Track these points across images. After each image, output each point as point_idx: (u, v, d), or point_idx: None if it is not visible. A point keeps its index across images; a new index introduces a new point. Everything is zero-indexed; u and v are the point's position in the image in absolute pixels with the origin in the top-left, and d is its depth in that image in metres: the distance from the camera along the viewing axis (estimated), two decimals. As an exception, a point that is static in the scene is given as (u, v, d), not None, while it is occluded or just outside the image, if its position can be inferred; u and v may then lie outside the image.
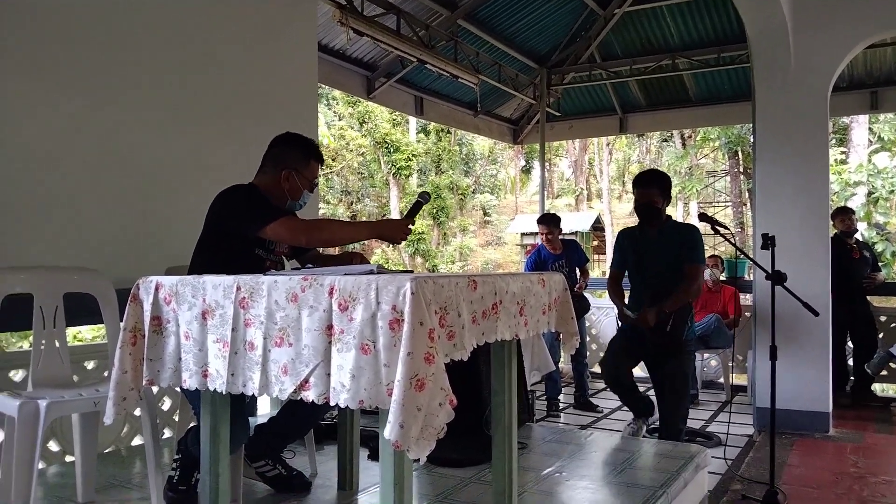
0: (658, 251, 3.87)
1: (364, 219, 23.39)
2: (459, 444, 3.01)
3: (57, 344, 2.49)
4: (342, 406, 1.67)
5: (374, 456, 2.98)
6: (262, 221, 2.32)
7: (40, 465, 2.59)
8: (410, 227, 2.42)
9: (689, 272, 3.79)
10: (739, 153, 20.13)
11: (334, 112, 21.57)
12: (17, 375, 2.93)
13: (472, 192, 25.99)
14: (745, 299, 6.49)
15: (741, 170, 20.60)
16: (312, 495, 2.64)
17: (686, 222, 4.54)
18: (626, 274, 4.09)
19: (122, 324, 2.05)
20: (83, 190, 3.16)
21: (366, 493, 2.65)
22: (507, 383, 2.33)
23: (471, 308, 1.87)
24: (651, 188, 3.83)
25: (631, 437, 3.82)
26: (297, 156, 2.55)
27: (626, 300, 4.05)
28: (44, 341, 2.46)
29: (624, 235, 4.12)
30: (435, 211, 22.86)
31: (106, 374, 3.10)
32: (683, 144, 22.60)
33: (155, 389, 2.38)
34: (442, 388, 1.61)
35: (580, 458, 3.21)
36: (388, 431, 1.55)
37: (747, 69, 5.46)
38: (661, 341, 3.75)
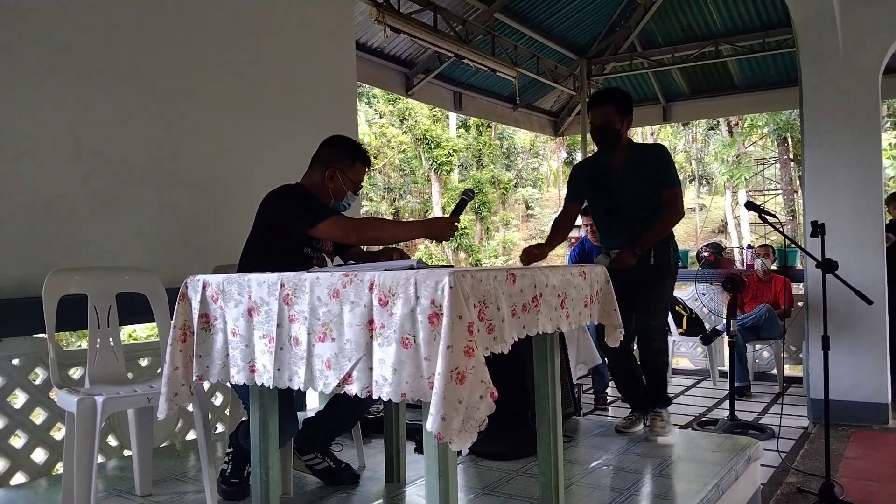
0: (627, 182, 3.38)
1: (407, 215, 23.55)
2: (505, 438, 3.04)
3: (111, 342, 2.58)
4: (384, 399, 1.70)
5: (420, 449, 3.00)
6: (314, 220, 2.39)
7: (100, 459, 2.70)
8: (457, 224, 2.45)
9: (669, 197, 3.36)
10: (789, 139, 19.59)
11: (375, 110, 21.71)
12: (76, 373, 3.04)
13: (514, 186, 25.87)
14: (798, 289, 6.33)
15: (791, 156, 20.05)
16: (361, 487, 2.68)
17: (652, 143, 3.94)
18: (592, 213, 3.65)
19: (171, 322, 2.11)
20: (134, 192, 3.26)
21: (413, 486, 2.68)
22: (551, 376, 2.33)
23: (510, 301, 1.88)
24: (605, 106, 3.33)
25: (636, 431, 3.46)
26: (342, 156, 2.62)
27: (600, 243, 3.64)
28: (99, 340, 2.55)
29: (581, 168, 3.67)
30: (477, 206, 22.83)
31: (159, 371, 3.20)
32: (730, 132, 22.08)
33: (206, 385, 2.45)
34: (482, 380, 1.62)
35: (628, 452, 3.18)
36: (430, 424, 1.57)
37: (794, 54, 5.31)
38: (646, 275, 3.34)
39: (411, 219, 23.78)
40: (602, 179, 3.44)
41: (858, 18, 4.85)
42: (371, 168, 2.75)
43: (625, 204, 3.41)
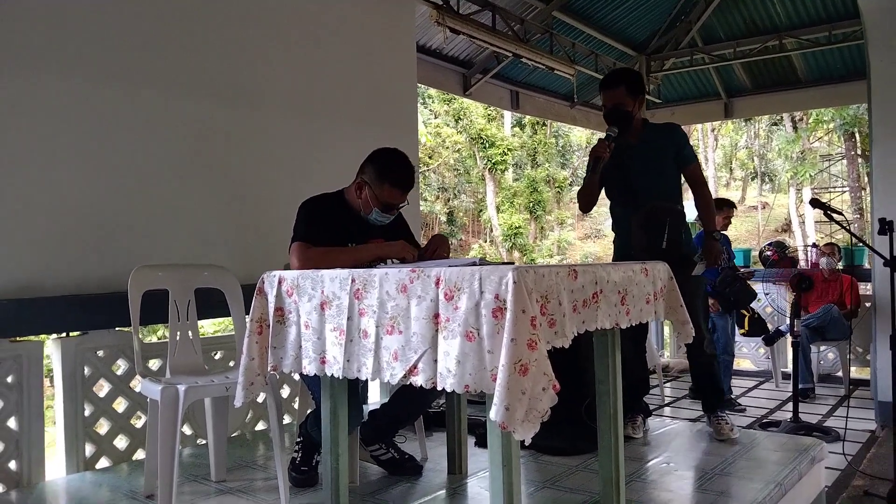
0: (643, 160, 3.35)
1: (461, 215, 23.63)
2: (564, 434, 3.08)
3: (190, 335, 2.72)
4: (448, 390, 1.76)
5: (480, 443, 3.07)
6: (292, 238, 2.52)
7: (177, 446, 2.85)
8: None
9: (694, 173, 3.40)
10: (856, 135, 18.91)
11: (430, 110, 21.87)
12: (154, 365, 3.21)
13: (570, 185, 25.66)
14: (865, 289, 6.15)
15: (859, 152, 19.34)
16: (424, 478, 2.75)
17: (665, 122, 3.78)
18: (607, 194, 3.55)
19: (248, 315, 2.23)
20: (210, 194, 3.44)
21: (475, 478, 2.74)
22: (612, 372, 2.36)
23: (571, 297, 1.92)
24: (617, 88, 3.32)
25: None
26: (373, 172, 2.58)
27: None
28: (178, 333, 2.70)
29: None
30: (531, 205, 22.77)
31: (231, 363, 3.36)
32: (794, 128, 21.46)
33: (277, 375, 2.57)
34: (545, 373, 1.67)
35: (689, 450, 3.19)
36: (494, 413, 1.62)
37: (861, 46, 5.17)
38: (676, 257, 3.17)
39: (465, 219, 23.90)
40: (618, 158, 3.37)
41: (931, 9, 4.69)
42: (406, 190, 2.63)
43: (641, 181, 3.36)
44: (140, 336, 2.62)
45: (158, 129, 3.26)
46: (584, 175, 3.48)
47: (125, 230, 3.13)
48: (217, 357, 3.48)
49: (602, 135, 3.33)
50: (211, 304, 2.84)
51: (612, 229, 3.61)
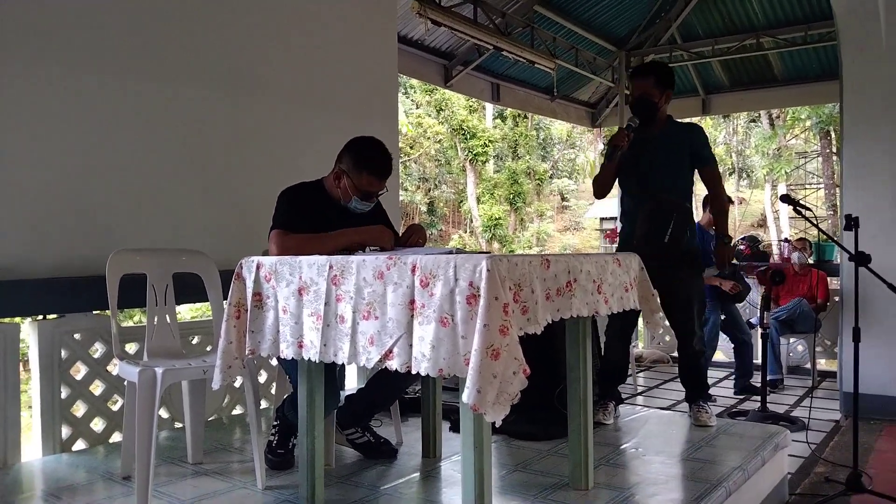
0: (659, 154, 3.39)
1: (441, 205, 23.66)
2: (536, 419, 3.15)
3: (168, 319, 2.75)
4: (423, 374, 1.81)
5: (455, 428, 3.13)
6: (271, 226, 2.55)
7: (154, 429, 2.87)
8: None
9: (712, 176, 3.47)
10: (832, 133, 19.20)
11: (412, 100, 21.85)
12: (130, 348, 3.23)
13: (550, 177, 25.82)
14: (835, 284, 6.30)
15: (834, 150, 19.64)
16: (399, 461, 2.81)
17: (689, 122, 3.88)
18: (621, 185, 3.59)
19: (226, 300, 2.26)
20: (189, 179, 3.45)
21: (448, 461, 2.80)
22: (583, 359, 2.43)
23: (544, 285, 1.98)
24: (646, 78, 3.38)
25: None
26: (350, 161, 2.62)
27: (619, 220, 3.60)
28: (156, 317, 2.72)
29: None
30: (511, 196, 22.87)
31: (209, 348, 3.38)
32: (772, 125, 21.72)
33: (255, 360, 2.60)
34: (516, 357, 1.73)
35: (658, 436, 3.27)
36: (466, 396, 1.68)
37: (835, 47, 5.28)
38: (679, 265, 3.35)
39: (445, 210, 23.94)
40: (636, 148, 3.41)
41: (901, 12, 4.80)
42: (383, 179, 2.67)
43: (654, 174, 3.40)
44: (118, 320, 2.64)
45: (139, 114, 3.26)
46: (602, 162, 3.54)
47: (105, 214, 3.14)
48: (194, 342, 3.51)
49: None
50: (189, 288, 2.87)
51: (620, 220, 3.65)
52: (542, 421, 3.15)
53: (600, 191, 3.62)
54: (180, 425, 3.27)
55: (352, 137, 2.70)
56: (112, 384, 3.20)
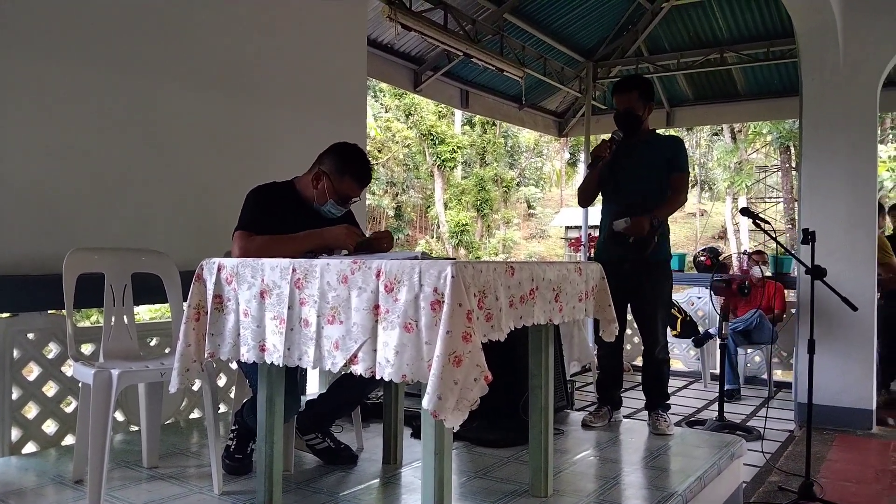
0: (637, 163, 3.54)
1: (409, 210, 23.65)
2: (498, 426, 3.16)
3: (125, 320, 2.69)
4: (387, 380, 1.81)
5: (416, 434, 3.12)
6: (236, 226, 2.52)
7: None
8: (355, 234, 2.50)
9: (678, 181, 3.54)
10: (791, 148, 19.70)
11: (381, 104, 21.83)
12: (87, 350, 3.15)
13: (517, 185, 26.00)
14: (791, 295, 6.44)
15: (793, 165, 20.15)
16: (359, 467, 2.79)
17: (670, 134, 4.07)
18: (603, 193, 3.70)
19: (186, 301, 2.22)
20: (150, 179, 3.38)
21: (409, 467, 2.79)
22: (544, 366, 2.45)
23: (508, 292, 1.99)
24: (630, 93, 3.52)
25: (603, 425, 3.57)
26: (333, 163, 2.62)
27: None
28: (113, 318, 2.66)
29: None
30: (479, 203, 22.96)
31: (167, 350, 3.33)
32: (734, 139, 22.20)
33: (214, 364, 2.56)
34: (478, 364, 1.73)
35: (617, 444, 3.30)
36: (427, 402, 1.68)
37: (796, 63, 5.42)
38: (647, 274, 3.47)
39: (413, 215, 23.93)
40: (618, 157, 3.54)
41: (859, 33, 4.95)
42: (365, 184, 2.69)
43: (630, 183, 3.54)
44: (73, 320, 2.58)
45: (101, 109, 3.19)
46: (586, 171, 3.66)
47: (63, 210, 3.06)
48: (153, 343, 3.44)
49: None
50: (148, 289, 2.81)
51: (600, 226, 3.74)
52: (505, 428, 3.16)
53: (584, 199, 3.79)
54: (136, 428, 3.20)
55: (336, 142, 2.70)
56: (66, 385, 3.12)
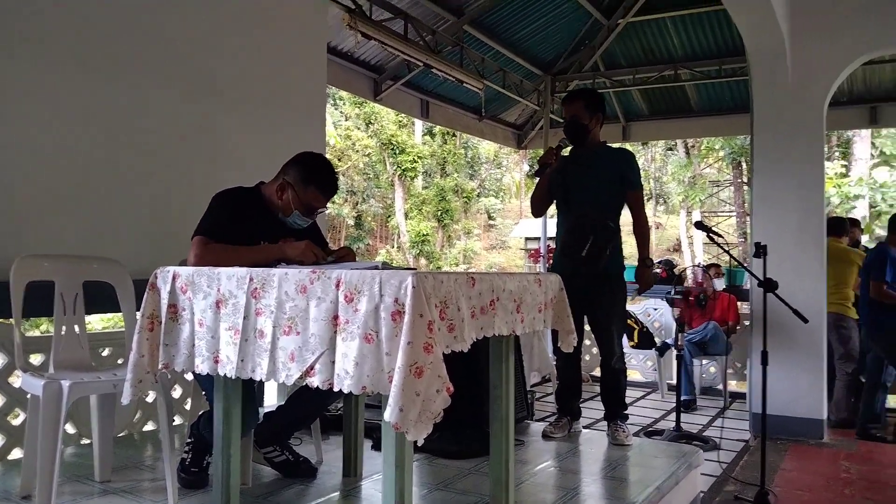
0: (588, 176, 3.56)
1: (369, 219, 23.55)
2: (459, 437, 3.15)
3: (77, 329, 2.61)
4: (346, 392, 1.78)
5: (377, 446, 3.09)
6: (195, 230, 2.46)
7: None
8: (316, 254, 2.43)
9: (636, 199, 3.59)
10: (743, 163, 20.21)
11: (341, 112, 21.73)
12: (36, 360, 3.05)
13: (477, 196, 26.10)
14: (743, 307, 6.59)
15: (745, 180, 20.68)
16: (318, 480, 2.74)
17: (621, 147, 4.19)
18: (557, 206, 3.75)
19: (140, 311, 2.17)
20: (103, 184, 3.28)
21: (369, 480, 2.76)
22: (505, 377, 2.45)
23: (469, 303, 1.99)
24: (576, 102, 3.57)
25: (563, 435, 3.59)
26: (298, 174, 2.57)
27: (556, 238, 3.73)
28: (64, 327, 2.58)
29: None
30: (439, 213, 22.99)
31: (120, 360, 3.24)
32: (687, 154, 22.69)
33: (168, 375, 2.50)
34: (440, 375, 1.72)
35: (576, 455, 3.33)
36: (389, 414, 1.66)
37: (747, 81, 5.58)
38: (603, 288, 3.51)
39: (373, 224, 23.83)
40: (568, 167, 3.59)
41: (807, 54, 5.12)
42: (330, 196, 2.66)
43: (579, 193, 3.57)
44: (21, 329, 2.49)
45: (52, 109, 3.08)
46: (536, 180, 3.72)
47: (11, 215, 2.94)
48: (105, 354, 3.35)
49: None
50: (101, 297, 2.74)
51: (555, 239, 3.77)
52: (466, 439, 3.15)
53: (536, 208, 3.80)
54: (88, 441, 3.10)
55: (301, 151, 2.66)
56: (14, 397, 3.02)
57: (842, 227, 5.76)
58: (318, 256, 2.44)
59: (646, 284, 3.64)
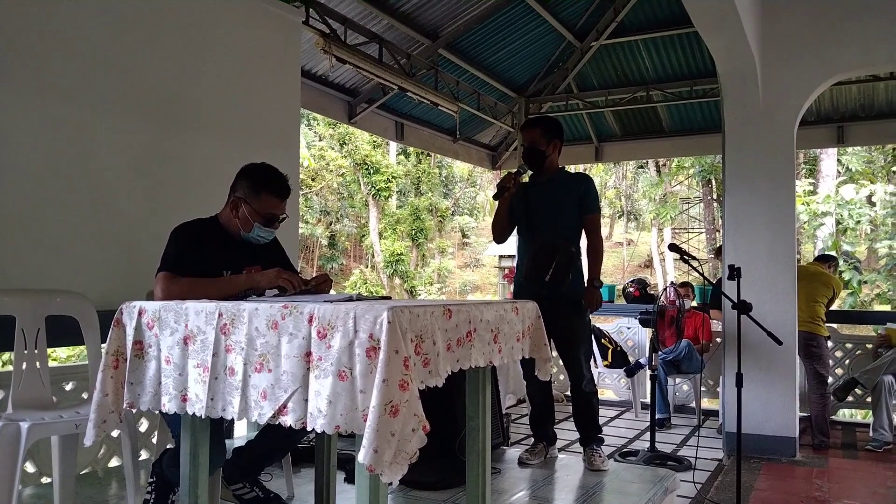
0: (549, 201, 3.62)
1: (343, 239, 23.43)
2: (435, 468, 3.09)
3: (38, 366, 2.52)
4: (318, 431, 1.72)
5: (350, 479, 3.02)
6: (159, 266, 2.40)
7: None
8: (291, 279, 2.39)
9: (592, 223, 3.64)
10: (713, 181, 20.53)
11: (315, 133, 21.65)
12: (-6, 396, 2.94)
13: (452, 214, 26.13)
14: (716, 325, 6.63)
15: (714, 197, 21.00)
16: (288, 517, 2.67)
17: (578, 172, 4.25)
18: (518, 232, 3.79)
19: (104, 347, 2.09)
20: (67, 214, 3.18)
21: (342, 515, 2.69)
22: (482, 408, 2.41)
23: (445, 336, 1.95)
24: (534, 129, 3.64)
25: (539, 462, 3.59)
26: (247, 186, 2.54)
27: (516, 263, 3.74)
28: (25, 363, 2.49)
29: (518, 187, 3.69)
30: (414, 232, 22.95)
31: (84, 395, 3.14)
32: (658, 172, 22.97)
33: (134, 411, 2.42)
34: (416, 414, 1.68)
35: (553, 483, 3.29)
36: (363, 456, 1.61)
37: (719, 102, 5.65)
38: (565, 311, 3.52)
39: (347, 244, 23.71)
40: (525, 194, 3.65)
41: (777, 76, 5.20)
42: (284, 198, 2.60)
43: (540, 218, 3.62)
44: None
45: (11, 135, 2.97)
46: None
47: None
48: (69, 388, 3.24)
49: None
50: (64, 331, 2.66)
51: (517, 265, 3.77)
52: (441, 470, 3.10)
53: (497, 234, 3.80)
54: (48, 480, 2.99)
55: (243, 165, 2.62)
56: (-31, 436, 2.89)
57: (832, 259, 6.17)
58: (293, 283, 2.39)
59: (594, 304, 3.62)
